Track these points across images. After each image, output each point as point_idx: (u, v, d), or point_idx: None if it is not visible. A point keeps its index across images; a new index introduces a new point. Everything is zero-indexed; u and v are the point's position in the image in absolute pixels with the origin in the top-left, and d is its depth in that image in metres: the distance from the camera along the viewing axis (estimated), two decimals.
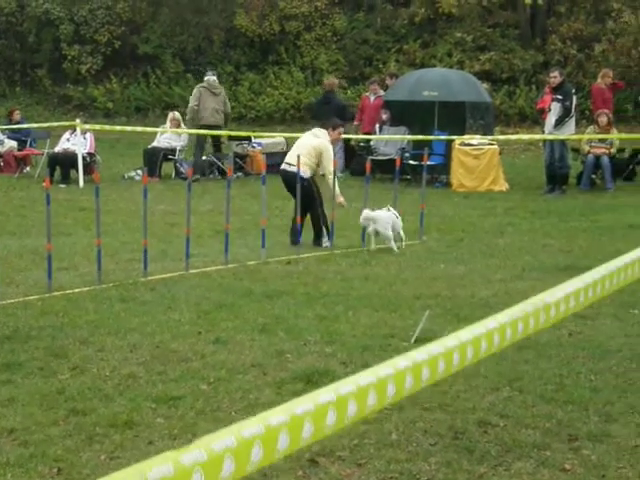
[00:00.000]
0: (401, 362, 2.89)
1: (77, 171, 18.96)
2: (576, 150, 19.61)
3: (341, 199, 12.35)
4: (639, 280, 4.40)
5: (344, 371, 6.73)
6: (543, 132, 19.28)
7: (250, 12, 33.73)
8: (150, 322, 8.12)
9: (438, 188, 19.02)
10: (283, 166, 12.68)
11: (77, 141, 19.36)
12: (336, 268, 10.82)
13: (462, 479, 5.04)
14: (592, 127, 19.62)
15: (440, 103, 20.43)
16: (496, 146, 19.37)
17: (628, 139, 21.34)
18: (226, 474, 2.26)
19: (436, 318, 8.14)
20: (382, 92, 22.16)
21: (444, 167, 19.68)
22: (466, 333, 3.23)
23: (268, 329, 7.95)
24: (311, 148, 12.34)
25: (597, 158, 18.83)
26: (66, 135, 20.07)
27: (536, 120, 25.74)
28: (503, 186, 18.93)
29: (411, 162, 19.53)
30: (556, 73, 18.48)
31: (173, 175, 20.60)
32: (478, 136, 19.58)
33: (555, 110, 18.12)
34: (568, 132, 18.32)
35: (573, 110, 18.23)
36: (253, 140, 21.89)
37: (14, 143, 21.44)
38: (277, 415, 2.43)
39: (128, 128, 24.58)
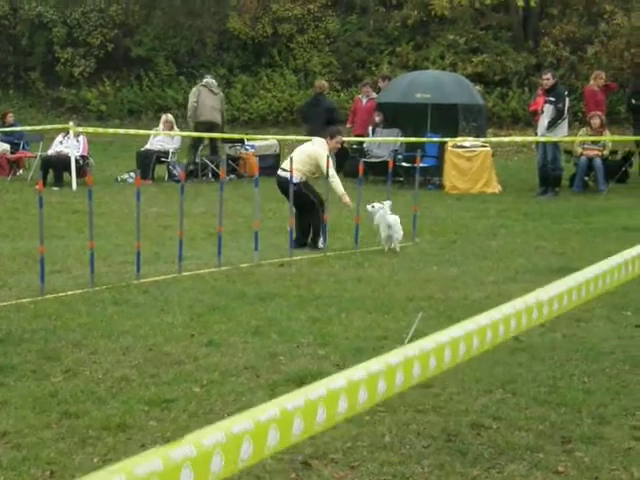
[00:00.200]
0: (392, 358, 2.89)
1: (70, 174, 18.93)
2: (569, 152, 19.64)
3: (346, 199, 12.36)
4: (631, 281, 4.40)
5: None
6: (536, 134, 19.30)
7: (243, 15, 33.73)
8: (143, 325, 8.11)
9: (431, 190, 19.02)
10: (278, 171, 12.85)
11: (70, 144, 19.33)
12: (329, 270, 10.82)
13: None
14: (585, 129, 19.65)
15: (433, 105, 20.45)
16: (489, 148, 19.38)
17: (621, 141, 21.39)
18: (215, 470, 2.25)
19: (429, 320, 8.13)
20: (374, 94, 22.15)
21: (437, 169, 19.69)
22: (457, 330, 3.23)
23: (261, 331, 7.94)
24: (305, 155, 12.46)
25: (590, 160, 18.86)
26: (59, 138, 20.04)
27: (529, 122, 25.78)
28: (496, 188, 18.94)
29: (404, 164, 19.53)
30: (549, 75, 18.50)
31: (166, 178, 20.59)
32: (471, 138, 19.60)
33: (548, 112, 18.14)
34: (561, 134, 18.35)
35: (566, 112, 18.26)
36: (246, 142, 21.90)
37: (7, 146, 21.39)
38: (267, 410, 2.42)
39: (121, 131, 24.55)
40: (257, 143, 22.11)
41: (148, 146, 21.10)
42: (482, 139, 20.08)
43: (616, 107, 27.31)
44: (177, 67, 34.32)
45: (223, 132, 21.92)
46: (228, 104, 30.37)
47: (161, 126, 21.49)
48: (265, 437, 2.39)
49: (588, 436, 5.59)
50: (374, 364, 2.82)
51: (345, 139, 20.67)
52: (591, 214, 15.59)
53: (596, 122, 19.08)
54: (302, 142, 13.71)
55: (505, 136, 26.61)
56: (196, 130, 21.25)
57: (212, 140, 21.32)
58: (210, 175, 20.70)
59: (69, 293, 9.33)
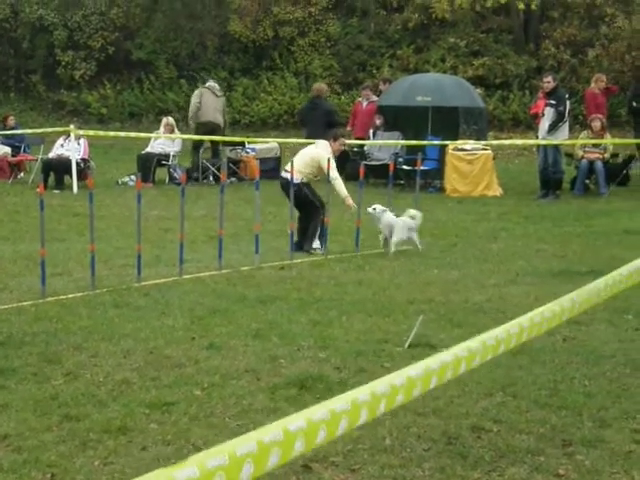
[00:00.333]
0: (396, 379, 2.88)
1: (71, 177, 18.93)
2: (570, 155, 19.65)
3: (349, 201, 12.36)
4: (632, 287, 4.41)
5: (338, 376, 6.73)
6: (537, 137, 19.29)
7: (244, 18, 33.74)
8: (144, 328, 8.11)
9: (432, 193, 19.02)
10: (281, 173, 12.93)
11: (71, 147, 19.33)
12: (329, 273, 10.82)
13: None
14: (586, 132, 19.65)
15: (433, 108, 20.45)
16: (490, 151, 19.38)
17: (622, 144, 21.39)
18: None
19: (430, 323, 8.14)
20: (375, 97, 22.14)
21: (438, 172, 19.69)
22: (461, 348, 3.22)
23: (262, 334, 7.94)
24: (308, 157, 12.51)
25: (591, 163, 18.86)
26: (60, 141, 20.05)
27: (530, 125, 25.78)
28: (497, 191, 18.94)
29: (405, 167, 19.53)
30: (549, 78, 18.51)
31: (167, 180, 20.59)
32: (472, 141, 19.60)
33: (549, 115, 18.14)
34: (562, 137, 18.36)
35: (567, 115, 18.26)
36: (247, 145, 21.93)
37: (8, 149, 21.39)
38: (270, 432, 2.42)
39: (122, 134, 24.57)
40: (258, 146, 22.12)
41: (149, 149, 21.10)
42: (483, 142, 20.07)
43: (617, 110, 27.30)
44: (178, 70, 34.33)
45: (225, 135, 21.95)
46: (229, 107, 30.40)
47: (162, 129, 21.50)
48: (267, 459, 2.39)
49: (589, 439, 5.59)
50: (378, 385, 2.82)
51: (346, 142, 20.77)
52: (592, 217, 15.59)
53: (597, 125, 19.09)
54: (303, 145, 13.76)
55: (506, 139, 26.62)
56: (197, 131, 21.30)
57: (213, 143, 21.34)
58: (211, 178, 20.71)
59: (70, 296, 9.32)
